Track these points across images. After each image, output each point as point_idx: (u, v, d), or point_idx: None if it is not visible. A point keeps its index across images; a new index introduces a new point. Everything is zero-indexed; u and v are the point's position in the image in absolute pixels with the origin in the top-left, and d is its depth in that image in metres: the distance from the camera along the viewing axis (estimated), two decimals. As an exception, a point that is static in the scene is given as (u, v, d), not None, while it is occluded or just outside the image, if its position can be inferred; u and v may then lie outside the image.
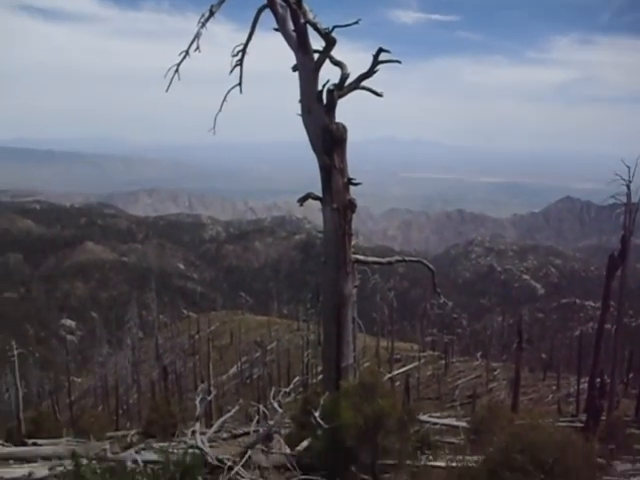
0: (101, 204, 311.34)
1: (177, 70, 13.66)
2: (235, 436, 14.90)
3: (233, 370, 67.37)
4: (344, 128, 12.55)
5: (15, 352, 35.86)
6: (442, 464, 8.72)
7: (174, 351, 72.64)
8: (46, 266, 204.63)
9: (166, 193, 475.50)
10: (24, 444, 16.77)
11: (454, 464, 8.01)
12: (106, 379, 69.36)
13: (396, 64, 12.69)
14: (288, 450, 9.29)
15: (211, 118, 14.53)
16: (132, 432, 19.62)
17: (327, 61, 12.63)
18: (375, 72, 12.56)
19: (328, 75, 12.67)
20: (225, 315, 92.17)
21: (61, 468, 9.20)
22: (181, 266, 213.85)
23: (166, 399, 28.63)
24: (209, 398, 28.56)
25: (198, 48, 13.82)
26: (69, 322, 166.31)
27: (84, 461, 6.59)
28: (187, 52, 13.69)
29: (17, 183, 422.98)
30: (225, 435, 14.00)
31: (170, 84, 13.60)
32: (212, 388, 39.02)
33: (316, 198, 12.64)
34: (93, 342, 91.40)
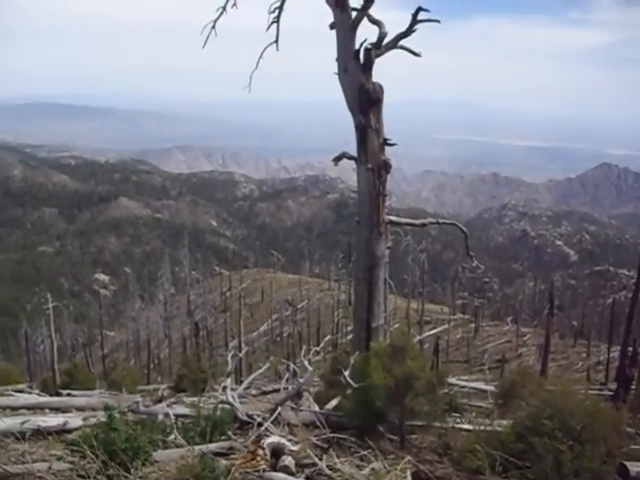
0: (135, 160, 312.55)
1: (214, 26, 13.60)
2: (264, 393, 15.10)
3: (263, 328, 67.91)
4: (381, 88, 12.43)
5: (50, 305, 36.35)
6: (469, 427, 8.74)
7: (205, 307, 73.29)
8: (81, 221, 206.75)
9: (200, 150, 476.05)
10: (59, 394, 17.06)
11: (482, 427, 8.03)
12: (138, 333, 70.34)
13: (434, 23, 12.51)
14: (317, 408, 9.36)
15: (246, 75, 14.47)
16: (163, 386, 19.90)
17: (365, 19, 12.48)
18: (413, 31, 12.38)
19: (366, 34, 12.53)
20: (257, 273, 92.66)
21: (95, 419, 9.37)
22: (214, 223, 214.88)
23: (197, 355, 28.90)
24: (240, 355, 28.81)
25: (235, 4, 13.73)
26: (103, 277, 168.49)
27: (116, 413, 6.68)
28: (224, 8, 13.61)
29: (53, 138, 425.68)
30: (255, 392, 14.18)
31: (207, 40, 13.55)
32: (242, 345, 39.34)
33: (351, 158, 12.57)
34: (126, 297, 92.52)
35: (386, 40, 12.39)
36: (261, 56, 14.04)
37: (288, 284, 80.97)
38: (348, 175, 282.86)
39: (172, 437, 7.51)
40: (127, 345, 74.00)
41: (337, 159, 12.76)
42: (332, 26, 12.88)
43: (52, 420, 9.19)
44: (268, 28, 13.95)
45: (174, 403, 9.80)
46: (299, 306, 68.90)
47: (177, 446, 7.14)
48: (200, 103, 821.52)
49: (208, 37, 13.54)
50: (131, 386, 23.98)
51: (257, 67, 14.09)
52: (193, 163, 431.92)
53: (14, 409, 12.63)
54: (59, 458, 6.55)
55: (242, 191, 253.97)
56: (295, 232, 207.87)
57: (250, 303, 71.92)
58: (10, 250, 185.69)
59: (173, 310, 79.68)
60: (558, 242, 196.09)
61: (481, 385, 19.60)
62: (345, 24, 12.53)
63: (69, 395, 16.49)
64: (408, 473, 6.31)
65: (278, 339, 66.00)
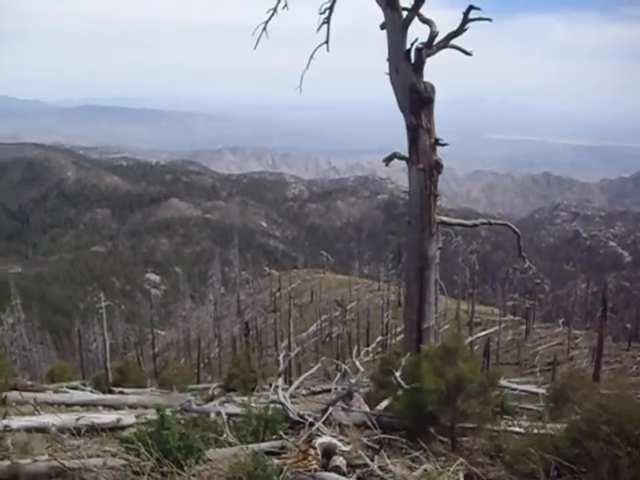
0: (186, 161, 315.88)
1: (265, 28, 13.66)
2: (313, 393, 15.09)
3: (313, 328, 67.97)
4: (432, 87, 12.36)
5: (103, 304, 36.87)
6: (521, 430, 8.65)
7: (255, 307, 73.65)
8: (132, 221, 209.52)
9: (250, 151, 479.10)
10: (111, 392, 17.32)
11: (534, 431, 7.93)
12: (188, 333, 71.00)
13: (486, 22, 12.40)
14: (367, 409, 9.35)
15: (296, 76, 14.51)
16: (214, 385, 20.03)
17: (416, 19, 12.41)
18: (465, 30, 12.28)
19: (416, 33, 12.48)
20: (306, 273, 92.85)
21: (147, 417, 9.48)
22: (263, 224, 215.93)
23: (247, 354, 29.08)
24: (292, 354, 28.90)
25: (286, 6, 13.78)
26: (154, 276, 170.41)
27: (168, 412, 6.75)
28: (275, 9, 13.68)
29: (105, 140, 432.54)
30: (304, 392, 14.20)
31: (258, 42, 13.61)
32: (283, 346, 39.46)
33: (402, 158, 12.52)
34: (176, 296, 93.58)
35: (437, 39, 12.31)
36: (312, 57, 14.07)
37: (337, 285, 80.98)
38: (398, 175, 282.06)
39: (224, 436, 7.56)
40: (177, 344, 74.73)
41: (388, 159, 12.72)
42: (383, 26, 12.84)
43: (106, 417, 9.33)
44: (319, 29, 13.98)
45: (225, 402, 9.85)
46: (348, 307, 68.87)
47: (229, 445, 7.18)
48: (251, 104, 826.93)
49: (259, 38, 13.62)
50: (181, 385, 24.24)
51: (308, 67, 14.13)
52: (243, 164, 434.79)
53: (68, 405, 12.85)
54: (114, 454, 6.65)
55: (292, 192, 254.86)
56: (344, 233, 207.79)
57: (299, 303, 72.11)
58: (64, 250, 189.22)
59: (223, 310, 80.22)
60: (611, 243, 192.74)
61: (532, 388, 19.34)
62: (396, 24, 12.48)
63: (121, 393, 16.74)
64: (461, 475, 6.26)
65: (327, 340, 66.04)
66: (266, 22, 13.65)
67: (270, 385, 19.79)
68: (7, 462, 6.60)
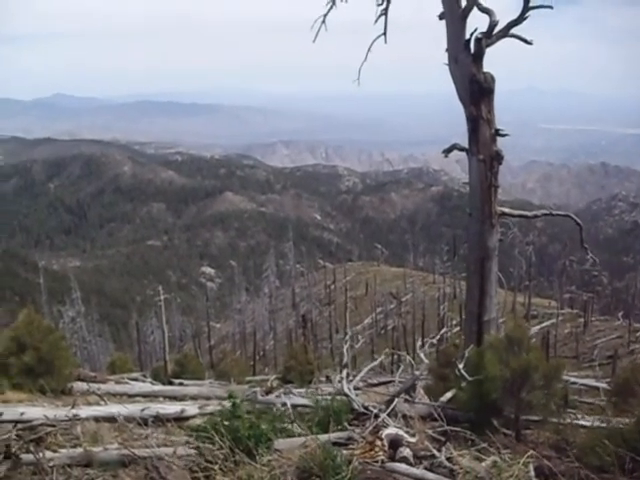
0: (240, 155, 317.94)
1: (324, 21, 13.65)
2: (370, 385, 15.08)
3: (368, 321, 67.87)
4: (492, 78, 12.24)
5: (162, 297, 37.31)
6: (587, 423, 8.54)
7: (310, 300, 73.81)
8: (187, 215, 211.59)
9: (304, 144, 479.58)
10: (171, 383, 17.53)
11: (602, 424, 7.83)
12: (244, 325, 71.44)
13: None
14: (428, 401, 9.32)
15: (350, 69, 14.48)
16: (272, 377, 20.15)
17: (475, 8, 12.29)
18: (525, 19, 12.14)
19: (476, 23, 12.36)
20: (361, 266, 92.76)
21: (210, 407, 9.58)
22: (318, 217, 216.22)
23: (304, 346, 29.17)
24: (357, 346, 28.95)
25: (345, -2, 13.75)
26: (209, 270, 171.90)
27: (238, 401, 6.83)
28: (334, 2, 13.67)
29: (161, 135, 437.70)
30: (361, 384, 14.19)
31: (317, 35, 13.61)
32: (347, 337, 39.51)
33: (462, 149, 12.44)
34: (232, 289, 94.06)
35: (497, 29, 12.17)
36: (370, 49, 14.04)
37: (392, 277, 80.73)
38: (452, 167, 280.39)
39: (292, 426, 7.61)
40: (233, 337, 75.27)
41: (448, 151, 12.66)
42: (441, 16, 12.75)
43: (170, 408, 9.46)
44: (376, 21, 13.94)
45: (285, 393, 9.91)
46: (403, 299, 68.61)
47: (297, 435, 7.23)
48: (304, 98, 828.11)
49: (318, 31, 13.61)
50: (239, 377, 24.44)
51: (366, 60, 14.10)
52: (297, 157, 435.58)
53: (130, 396, 13.05)
54: (186, 443, 6.74)
55: (345, 184, 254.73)
56: (398, 225, 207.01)
57: (354, 296, 72.07)
58: (120, 244, 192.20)
59: (278, 303, 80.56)
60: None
61: (592, 382, 19.07)
62: (455, 14, 12.38)
63: (181, 384, 16.93)
64: (531, 467, 6.20)
65: (382, 332, 65.89)
66: (325, 15, 13.65)
67: (327, 377, 19.86)
68: (79, 449, 6.74)
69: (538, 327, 51.98)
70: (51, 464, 6.25)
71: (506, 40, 12.45)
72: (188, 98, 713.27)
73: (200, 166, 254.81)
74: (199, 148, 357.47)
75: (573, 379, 19.22)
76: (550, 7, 12.13)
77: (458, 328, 53.62)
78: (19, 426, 7.88)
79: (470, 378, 8.34)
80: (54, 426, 7.73)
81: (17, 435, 7.39)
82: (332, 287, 78.34)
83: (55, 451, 6.72)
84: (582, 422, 8.71)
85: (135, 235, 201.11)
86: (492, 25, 12.07)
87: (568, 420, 8.63)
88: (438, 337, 50.16)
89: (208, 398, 12.14)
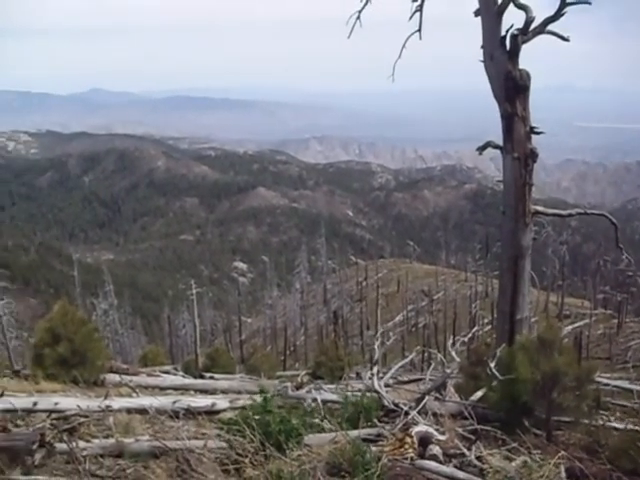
0: (273, 151, 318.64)
1: (359, 17, 13.61)
2: (400, 382, 15.06)
3: (399, 318, 67.72)
4: (527, 75, 12.13)
5: (194, 291, 37.57)
6: (619, 426, 8.47)
7: (341, 296, 73.81)
8: (220, 210, 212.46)
9: (337, 140, 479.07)
10: (202, 377, 17.65)
11: (635, 427, 7.77)
12: (275, 320, 71.66)
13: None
14: (459, 399, 9.29)
15: (382, 65, 14.43)
16: (302, 373, 20.19)
17: (511, 4, 12.19)
18: (562, 15, 11.98)
19: (512, 19, 12.22)
20: (392, 263, 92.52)
21: (241, 402, 9.64)
22: (350, 213, 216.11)
23: (335, 343, 29.20)
24: (388, 343, 28.91)
25: (380, -7, 13.71)
26: (241, 265, 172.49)
27: (270, 396, 6.88)
28: (368, -2, 13.62)
29: (194, 131, 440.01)
30: (391, 381, 14.17)
31: (352, 31, 13.58)
32: (379, 334, 39.40)
33: (496, 147, 12.35)
34: (263, 285, 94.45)
35: (533, 25, 12.06)
36: (404, 45, 13.98)
37: (424, 274, 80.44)
38: (485, 165, 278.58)
39: (322, 421, 7.64)
40: (264, 332, 75.52)
41: (482, 148, 12.57)
42: (477, 13, 12.66)
43: (201, 401, 9.53)
44: (411, 17, 13.87)
45: (315, 389, 9.94)
46: (435, 297, 68.37)
47: (327, 431, 7.25)
48: (337, 94, 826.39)
49: (353, 27, 13.58)
50: (269, 372, 24.56)
51: (400, 56, 14.04)
52: (330, 153, 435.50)
53: (162, 389, 13.18)
54: (217, 436, 6.79)
55: (378, 181, 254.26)
56: (431, 222, 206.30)
57: (386, 293, 71.94)
58: (153, 238, 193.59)
59: (309, 298, 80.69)
60: None
61: (625, 384, 18.84)
62: (491, 10, 12.29)
63: (212, 378, 17.04)
64: (562, 468, 6.17)
65: (413, 330, 65.72)
66: (359, 11, 13.61)
67: (357, 374, 19.87)
68: (111, 440, 6.83)
69: (571, 327, 51.50)
70: (84, 454, 6.35)
71: (542, 37, 12.33)
72: (222, 94, 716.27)
73: (233, 161, 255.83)
74: (232, 143, 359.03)
75: (606, 381, 19.02)
76: (588, 2, 12.01)
77: (489, 327, 53.34)
78: (53, 416, 8.01)
79: (501, 377, 8.30)
80: (87, 417, 7.84)
81: (51, 424, 7.52)
82: (364, 284, 78.24)
83: (88, 441, 6.83)
84: (615, 424, 8.64)
85: (168, 229, 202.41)
86: (528, 21, 11.95)
87: (600, 422, 8.57)
88: (469, 336, 49.87)
89: (239, 392, 12.21)
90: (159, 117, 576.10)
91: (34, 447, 6.22)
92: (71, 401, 8.73)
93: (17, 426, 7.75)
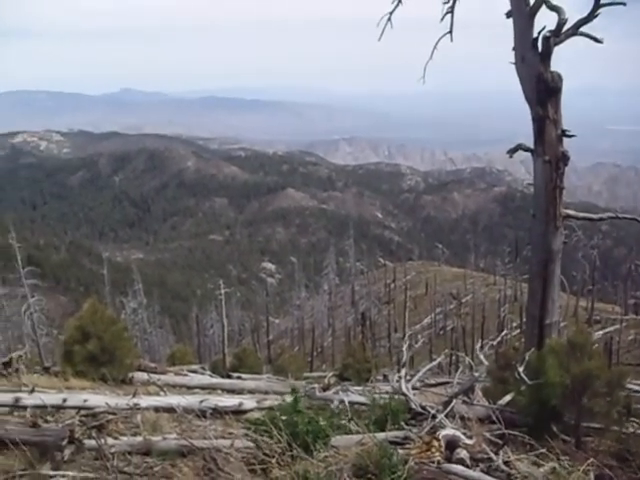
0: (302, 152, 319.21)
1: (389, 18, 13.58)
2: (427, 385, 15.01)
3: (427, 321, 67.51)
4: (559, 77, 12.02)
5: (222, 291, 37.70)
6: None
7: (369, 298, 73.60)
8: (249, 211, 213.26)
9: (366, 142, 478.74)
10: (229, 377, 17.72)
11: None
12: (302, 321, 71.70)
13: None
14: (486, 403, 9.24)
15: (412, 67, 14.37)
16: (330, 374, 20.19)
17: (543, 6, 12.09)
18: (596, 16, 11.85)
19: (544, 21, 12.10)
20: (421, 265, 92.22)
21: (268, 402, 9.66)
22: (379, 215, 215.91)
23: (362, 344, 29.21)
24: (416, 345, 28.84)
25: (410, -5, 13.66)
26: (269, 265, 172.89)
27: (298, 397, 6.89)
28: (400, 0, 13.58)
29: (224, 131, 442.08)
30: (418, 384, 14.13)
31: (382, 33, 13.54)
32: (407, 337, 39.28)
33: (527, 149, 12.25)
34: (291, 285, 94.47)
35: (566, 27, 11.95)
36: (435, 47, 13.93)
37: (452, 277, 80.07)
38: (515, 168, 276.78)
39: (349, 423, 7.64)
40: (291, 332, 75.57)
41: (512, 151, 12.49)
42: (508, 14, 12.58)
43: (228, 400, 9.56)
44: (442, 19, 13.82)
45: (342, 391, 9.94)
46: (463, 300, 68.03)
47: (354, 432, 7.25)
48: (367, 95, 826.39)
49: (384, 29, 13.55)
50: (296, 372, 24.57)
51: (431, 58, 13.99)
52: (359, 155, 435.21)
53: (189, 388, 13.28)
54: (245, 435, 6.81)
55: (407, 183, 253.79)
56: (460, 225, 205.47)
57: (414, 295, 71.67)
58: (183, 238, 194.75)
59: (337, 300, 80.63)
60: None
61: (656, 391, 18.60)
62: (523, 12, 12.20)
63: (239, 378, 17.10)
64: (591, 475, 6.11)
65: (441, 332, 65.47)
66: (390, 13, 13.57)
67: (384, 376, 19.81)
68: (139, 438, 6.88)
69: (601, 333, 50.98)
70: (112, 450, 6.41)
71: (574, 38, 12.21)
72: (252, 94, 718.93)
73: (263, 162, 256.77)
74: (262, 144, 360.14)
75: (637, 387, 18.82)
76: (623, 4, 11.88)
77: (518, 331, 53.01)
78: (82, 412, 8.10)
79: (530, 382, 8.24)
80: (115, 414, 7.92)
81: (80, 421, 7.60)
82: (392, 286, 78.08)
83: (116, 438, 6.90)
84: (646, 432, 8.54)
85: (197, 229, 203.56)
86: (561, 23, 11.84)
87: (631, 429, 8.47)
88: (498, 339, 49.56)
89: (266, 392, 12.27)
90: (190, 117, 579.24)
91: (63, 443, 6.29)
92: (100, 398, 8.81)
93: (47, 422, 7.85)
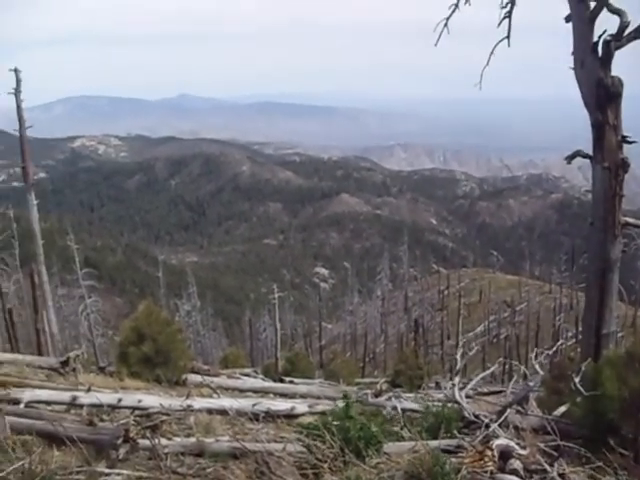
0: (357, 157, 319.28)
1: (446, 24, 13.48)
2: (480, 394, 14.86)
3: (480, 328, 66.94)
4: (620, 82, 11.79)
5: (276, 295, 37.92)
6: None
7: (422, 305, 73.27)
8: (303, 216, 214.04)
9: (421, 148, 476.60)
10: (282, 381, 17.78)
11: None
12: (355, 327, 71.70)
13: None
14: (540, 413, 9.09)
15: (470, 72, 14.25)
16: (382, 380, 20.13)
17: (604, 9, 11.88)
18: (661, 19, 11.62)
19: (604, 25, 11.89)
20: (475, 272, 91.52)
21: (320, 407, 9.66)
22: (433, 221, 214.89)
23: (415, 351, 29.02)
24: (471, 353, 28.56)
25: (468, 1, 13.55)
26: (323, 270, 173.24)
27: (350, 402, 6.88)
28: (457, 5, 13.47)
29: (279, 136, 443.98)
30: (472, 392, 14.00)
31: (439, 38, 13.45)
32: (461, 344, 39.00)
33: (585, 156, 12.04)
34: (344, 291, 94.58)
35: (628, 30, 11.71)
36: (492, 52, 13.78)
37: (507, 285, 79.25)
38: (573, 174, 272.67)
39: (402, 430, 7.60)
40: (344, 338, 75.63)
41: (570, 158, 12.28)
42: (567, 18, 12.38)
43: (281, 404, 9.59)
44: (499, 23, 13.66)
45: (395, 397, 9.90)
46: (518, 308, 67.29)
47: (406, 439, 7.21)
48: (422, 101, 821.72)
49: (440, 35, 13.45)
50: (347, 378, 24.54)
51: (488, 63, 13.85)
52: (414, 161, 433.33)
53: (242, 391, 13.35)
54: (297, 440, 6.82)
55: (462, 189, 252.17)
56: (515, 232, 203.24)
57: (467, 303, 71.13)
58: (237, 242, 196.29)
59: (390, 306, 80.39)
60: None
61: None
62: (582, 16, 11.99)
63: (291, 382, 17.15)
64: (651, 491, 5.98)
65: (494, 341, 64.86)
66: (447, 18, 13.45)
67: (436, 383, 19.68)
68: (192, 439, 6.94)
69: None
70: (165, 451, 6.48)
71: (636, 42, 11.96)
72: (307, 100, 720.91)
73: (317, 167, 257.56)
74: (317, 149, 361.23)
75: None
76: (688, 7, 11.63)
77: (574, 341, 52.21)
78: (136, 412, 8.23)
79: (586, 393, 8.07)
80: (169, 415, 8.01)
81: (135, 421, 7.71)
82: (445, 293, 77.64)
83: (169, 439, 6.98)
84: None
85: (251, 233, 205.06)
86: (623, 27, 11.61)
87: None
88: (554, 349, 48.89)
89: (318, 397, 12.26)
90: (245, 122, 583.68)
91: (119, 442, 6.39)
92: (154, 399, 8.93)
93: (102, 421, 7.98)
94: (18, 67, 25.34)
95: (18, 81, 25.23)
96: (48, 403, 8.56)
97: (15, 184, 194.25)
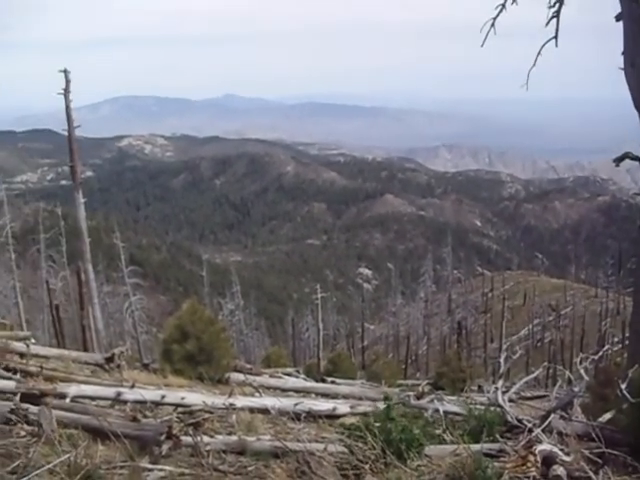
0: (402, 158, 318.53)
1: (493, 24, 13.37)
2: (523, 398, 14.71)
3: (524, 332, 66.35)
4: (671, 83, 11.60)
5: (319, 296, 38.01)
6: None
7: (466, 307, 72.89)
8: (347, 216, 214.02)
9: (466, 149, 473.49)
10: (324, 381, 17.79)
11: None
12: (397, 328, 71.52)
13: None
14: (585, 419, 8.96)
15: (514, 72, 14.11)
16: (424, 382, 20.05)
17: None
18: None
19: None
20: (520, 275, 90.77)
21: (361, 408, 9.65)
22: (478, 223, 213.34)
23: (458, 354, 28.87)
24: (515, 357, 28.33)
25: (515, 1, 13.42)
26: (366, 271, 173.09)
27: (393, 404, 6.87)
28: (504, 5, 13.35)
29: (324, 137, 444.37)
30: (515, 396, 13.87)
31: (486, 38, 13.35)
32: (505, 347, 38.73)
33: (635, 158, 11.85)
34: (387, 292, 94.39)
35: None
36: (539, 52, 13.63)
37: (552, 288, 78.49)
38: (621, 177, 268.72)
39: (444, 433, 7.56)
40: (386, 339, 75.48)
41: (619, 160, 12.10)
42: (618, 18, 12.20)
43: (322, 405, 9.58)
44: (547, 23, 13.49)
45: (437, 399, 9.83)
46: (562, 312, 66.58)
47: (448, 442, 7.16)
48: (469, 101, 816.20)
49: (487, 35, 13.34)
50: (389, 379, 24.47)
51: (535, 64, 13.70)
52: (459, 162, 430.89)
53: (284, 390, 13.38)
54: (339, 440, 6.83)
55: (508, 191, 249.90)
56: (561, 235, 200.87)
57: (511, 306, 70.56)
58: (281, 242, 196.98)
59: (433, 308, 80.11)
60: None
61: None
62: (634, 15, 11.80)
63: (333, 383, 17.15)
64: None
65: (538, 345, 64.26)
66: (494, 18, 13.34)
67: (479, 386, 19.52)
68: (234, 437, 6.98)
69: None
70: (208, 448, 6.52)
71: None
72: (352, 100, 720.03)
73: (362, 168, 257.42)
74: (361, 150, 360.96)
75: None
76: None
77: (620, 346, 51.49)
78: (179, 409, 8.32)
79: (633, 400, 7.94)
80: (211, 413, 8.08)
81: (178, 418, 7.80)
82: (489, 295, 77.13)
83: (212, 436, 7.02)
84: None
85: (295, 234, 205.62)
86: (674, 28, 11.43)
87: None
88: (599, 354, 48.28)
89: (359, 398, 12.23)
90: (290, 123, 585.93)
91: (162, 438, 6.45)
92: (197, 397, 9.00)
93: (146, 417, 8.06)
94: (67, 68, 25.70)
95: (67, 82, 25.56)
96: (93, 398, 8.67)
97: (63, 182, 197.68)
